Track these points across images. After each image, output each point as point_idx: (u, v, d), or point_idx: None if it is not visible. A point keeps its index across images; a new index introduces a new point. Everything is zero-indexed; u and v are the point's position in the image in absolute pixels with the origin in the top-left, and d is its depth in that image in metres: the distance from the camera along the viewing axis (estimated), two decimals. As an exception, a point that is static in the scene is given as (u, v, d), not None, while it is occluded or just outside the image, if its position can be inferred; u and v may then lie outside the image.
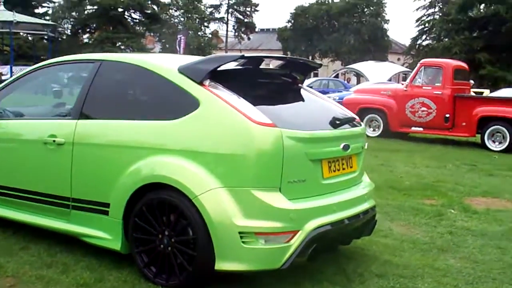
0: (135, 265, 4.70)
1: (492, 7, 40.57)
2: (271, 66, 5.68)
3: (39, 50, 46.61)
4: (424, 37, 54.85)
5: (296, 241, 4.25)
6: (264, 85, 5.15)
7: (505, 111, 14.85)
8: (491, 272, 5.25)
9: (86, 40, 63.48)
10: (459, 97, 15.33)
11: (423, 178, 10.08)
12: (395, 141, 15.62)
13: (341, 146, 4.73)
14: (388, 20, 67.52)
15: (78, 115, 5.07)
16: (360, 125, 5.32)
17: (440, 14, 49.54)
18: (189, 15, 68.88)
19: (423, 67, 15.98)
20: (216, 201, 4.21)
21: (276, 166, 4.22)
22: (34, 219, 5.37)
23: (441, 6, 54.41)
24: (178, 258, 4.40)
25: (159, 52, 58.59)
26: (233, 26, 76.35)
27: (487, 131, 15.01)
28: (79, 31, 62.33)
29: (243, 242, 4.17)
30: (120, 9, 60.18)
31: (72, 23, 60.53)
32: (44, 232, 5.38)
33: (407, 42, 61.18)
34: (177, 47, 40.01)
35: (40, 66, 5.77)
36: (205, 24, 73.22)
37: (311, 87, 32.80)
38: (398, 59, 61.13)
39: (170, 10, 67.73)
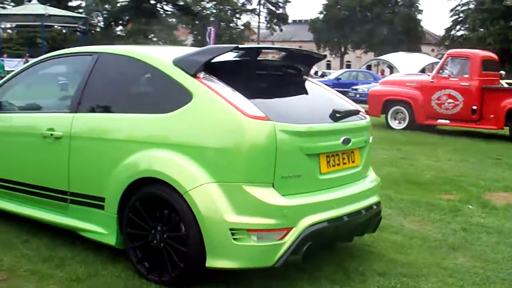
0: (130, 261, 4.62)
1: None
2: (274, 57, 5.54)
3: (72, 42, 47.09)
4: (458, 27, 53.84)
5: (290, 239, 4.11)
6: (263, 77, 5.00)
7: (535, 103, 14.43)
8: (501, 272, 5.03)
9: (119, 33, 63.96)
10: (487, 89, 14.93)
11: (444, 172, 9.82)
12: (420, 134, 15.29)
13: (341, 140, 4.57)
14: (422, 10, 66.89)
15: (75, 109, 5.00)
16: (365, 118, 5.14)
17: (475, 4, 48.49)
18: (221, 7, 68.89)
19: (450, 58, 15.64)
20: (206, 197, 4.09)
21: (269, 161, 4.08)
22: (33, 213, 5.34)
23: (475, -4, 53.49)
24: (170, 254, 4.30)
25: (191, 44, 58.74)
26: (265, 17, 76.26)
27: (516, 124, 14.61)
28: (112, 23, 62.81)
29: (234, 239, 4.05)
30: (152, 1, 60.57)
31: (105, 15, 60.95)
32: (47, 226, 5.33)
33: (441, 32, 60.25)
34: (207, 39, 39.92)
35: (42, 59, 5.72)
36: (237, 15, 73.22)
37: (339, 79, 32.63)
38: (432, 50, 60.35)
39: (202, 2, 67.78)
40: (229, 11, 70.91)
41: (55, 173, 5.07)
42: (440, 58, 35.36)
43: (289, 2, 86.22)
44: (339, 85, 32.34)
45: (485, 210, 7.25)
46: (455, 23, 53.23)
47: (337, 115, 4.68)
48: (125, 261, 4.69)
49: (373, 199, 5.00)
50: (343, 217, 4.50)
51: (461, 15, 51.93)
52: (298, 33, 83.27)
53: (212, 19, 64.34)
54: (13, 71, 6.24)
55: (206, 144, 4.18)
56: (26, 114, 5.61)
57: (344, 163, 4.71)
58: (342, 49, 70.11)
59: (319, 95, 5.16)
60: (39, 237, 5.34)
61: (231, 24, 70.85)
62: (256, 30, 77.12)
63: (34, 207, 5.33)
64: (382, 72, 41.51)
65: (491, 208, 7.32)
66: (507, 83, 17.23)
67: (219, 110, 4.18)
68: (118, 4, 61.92)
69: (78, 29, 44.60)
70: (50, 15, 37.07)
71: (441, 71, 15.58)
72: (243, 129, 4.06)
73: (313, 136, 4.37)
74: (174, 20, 66.00)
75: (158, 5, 62.10)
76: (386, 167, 9.99)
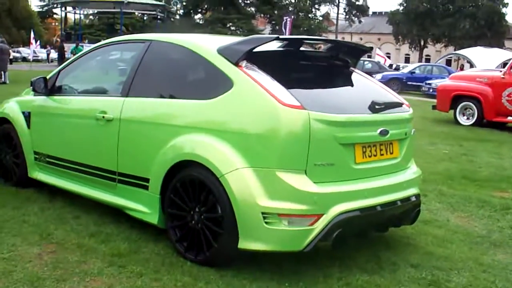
0: (170, 240, 4.84)
1: None
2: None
3: (150, 29, 48.17)
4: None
5: (320, 225, 4.22)
6: (305, 67, 5.12)
7: None
8: (540, 270, 4.98)
9: (197, 21, 64.79)
10: (560, 87, 14.46)
11: (503, 170, 9.63)
12: (488, 131, 14.93)
13: (378, 131, 4.63)
14: (507, 3, 64.59)
15: (126, 93, 5.25)
16: (408, 110, 5.17)
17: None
18: (301, -3, 68.74)
19: (522, 53, 15.23)
20: (241, 181, 4.25)
21: (302, 149, 4.20)
22: (84, 190, 5.65)
23: None
24: (206, 234, 4.49)
25: (269, 33, 58.92)
26: (344, 8, 75.60)
27: None
28: (191, 11, 63.67)
29: (266, 222, 4.19)
30: (232, -10, 60.86)
31: (184, 3, 61.91)
32: (97, 204, 5.63)
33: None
34: (283, 29, 40.00)
35: (99, 45, 6.03)
36: (316, 6, 72.91)
37: (413, 73, 32.14)
38: (516, 46, 58.50)
39: (282, -9, 67.76)
40: (308, 1, 70.71)
41: (105, 154, 5.34)
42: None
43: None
44: (412, 79, 31.97)
45: (539, 209, 7.10)
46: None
47: (376, 106, 4.75)
48: (166, 240, 4.90)
49: (411, 191, 5.02)
50: (376, 207, 4.56)
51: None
52: (377, 25, 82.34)
53: (290, 9, 64.35)
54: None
55: (243, 130, 4.34)
56: (82, 97, 5.92)
57: (382, 154, 4.77)
58: (422, 43, 68.87)
59: (362, 87, 5.23)
60: (89, 213, 5.66)
61: (309, 15, 70.62)
62: (334, 21, 76.61)
63: (86, 185, 5.65)
64: (462, 68, 40.60)
65: (545, 208, 7.17)
66: None
67: (257, 98, 4.32)
68: (198, -8, 62.68)
69: (157, 16, 45.47)
70: (129, 2, 38.00)
71: (514, 67, 15.13)
72: (278, 116, 4.20)
73: (349, 126, 4.46)
74: (252, 9, 66.31)
75: (238, -6, 62.52)
76: (444, 162, 9.91)
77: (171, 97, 4.92)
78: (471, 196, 7.44)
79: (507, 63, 15.54)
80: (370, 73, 33.61)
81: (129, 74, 5.34)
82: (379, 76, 32.02)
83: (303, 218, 4.21)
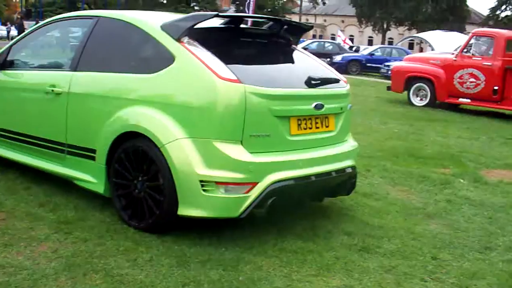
0: (115, 208, 5.06)
1: None
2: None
3: (113, 7, 47.71)
4: (503, 7, 52.97)
5: (254, 193, 4.48)
6: (245, 44, 5.34)
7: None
8: (466, 239, 5.28)
9: (161, 0, 64.36)
10: (510, 69, 14.83)
11: (448, 148, 9.99)
12: (440, 112, 15.33)
13: (313, 105, 4.88)
14: (469, -12, 65.46)
15: (75, 67, 5.42)
16: (345, 86, 5.43)
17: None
18: (266, -23, 68.62)
19: (474, 36, 15.58)
20: (180, 150, 4.48)
21: (238, 120, 4.44)
22: (36, 162, 5.81)
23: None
24: (148, 202, 4.71)
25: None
26: (308, -10, 75.74)
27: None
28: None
29: (203, 190, 4.43)
30: (195, -31, 60.61)
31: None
32: (48, 175, 5.80)
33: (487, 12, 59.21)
34: (246, 9, 39.97)
35: (50, 21, 6.20)
36: (281, -13, 72.92)
37: (373, 55, 32.43)
38: (476, 30, 59.26)
39: (245, -29, 67.58)
40: (273, -18, 70.68)
41: (55, 126, 5.51)
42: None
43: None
44: (372, 60, 32.38)
45: (476, 184, 7.45)
46: (500, 3, 52.39)
47: (312, 82, 4.99)
48: (112, 209, 5.12)
49: (346, 163, 5.30)
50: (311, 176, 4.83)
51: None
52: (340, 7, 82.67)
53: (253, -11, 64.16)
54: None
55: (183, 103, 4.56)
56: (33, 72, 6.06)
57: (317, 127, 5.02)
58: (385, 26, 69.41)
59: (300, 64, 5.47)
60: (40, 185, 5.83)
61: (274, -4, 70.69)
62: (298, 3, 76.76)
63: (37, 157, 5.81)
64: (421, 50, 41.13)
65: (482, 183, 7.52)
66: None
67: (196, 72, 4.55)
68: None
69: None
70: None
71: (465, 50, 15.54)
72: (215, 90, 4.43)
73: (284, 99, 4.70)
74: (216, -12, 66.21)
75: (202, -26, 62.31)
76: (392, 140, 10.24)
77: (117, 71, 5.09)
78: (413, 172, 7.77)
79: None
80: (330, 54, 34.09)
81: (78, 49, 5.51)
82: (339, 57, 32.43)
83: (239, 186, 4.46)
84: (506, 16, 50.10)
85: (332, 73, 5.53)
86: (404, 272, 4.42)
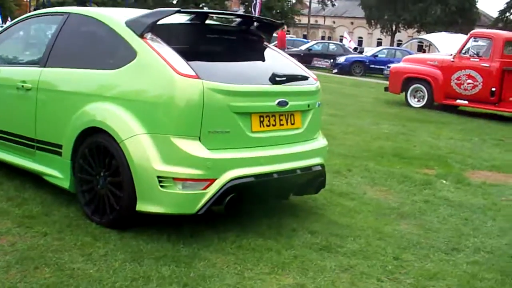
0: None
1: None
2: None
3: (121, 6, 47.87)
4: (512, 10, 52.70)
5: (212, 189, 4.47)
6: (209, 40, 5.32)
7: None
8: (436, 240, 5.23)
9: (171, 0, 64.42)
10: (508, 71, 14.70)
11: (437, 149, 9.92)
12: (437, 113, 15.22)
13: (276, 102, 4.86)
14: (478, -10, 65.08)
15: (44, 63, 5.44)
16: (314, 84, 5.40)
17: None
18: (274, -22, 68.55)
19: (472, 38, 15.49)
20: (138, 146, 4.48)
21: (196, 116, 4.43)
22: (7, 157, 5.84)
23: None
24: (109, 198, 4.71)
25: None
26: (317, -9, 75.56)
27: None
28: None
29: (161, 186, 4.43)
30: (205, -30, 60.65)
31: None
32: (21, 170, 5.80)
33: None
34: (253, 10, 39.98)
35: (24, 18, 6.25)
36: (289, -12, 72.76)
37: (376, 56, 32.28)
38: (486, 33, 58.93)
39: (255, -28, 67.55)
40: (281, -17, 70.55)
41: (25, 121, 5.53)
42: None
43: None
44: (375, 62, 32.30)
45: (458, 185, 7.38)
46: (510, 5, 52.07)
47: (277, 78, 4.96)
48: (78, 205, 5.11)
49: (314, 161, 5.27)
50: (273, 174, 4.81)
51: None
52: (350, 9, 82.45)
53: (261, -10, 64.13)
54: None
55: (143, 98, 4.57)
56: (5, 68, 6.06)
57: (282, 124, 4.99)
58: (394, 28, 69.20)
59: (268, 61, 5.47)
60: (12, 180, 5.84)
61: (282, -3, 70.56)
62: (307, 4, 76.59)
63: (8, 153, 5.84)
64: (424, 52, 40.95)
65: (465, 184, 7.45)
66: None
67: (156, 68, 4.55)
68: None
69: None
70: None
71: (464, 51, 15.44)
72: (174, 85, 4.43)
73: (244, 96, 4.69)
74: (225, -11, 66.18)
75: (211, -26, 62.30)
76: (380, 140, 10.19)
77: (83, 67, 5.10)
78: (395, 172, 7.71)
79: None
80: (333, 55, 33.99)
81: (48, 45, 5.54)
82: (342, 58, 32.33)
83: (197, 182, 4.45)
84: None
85: (302, 70, 5.50)
86: (362, 272, 4.38)
